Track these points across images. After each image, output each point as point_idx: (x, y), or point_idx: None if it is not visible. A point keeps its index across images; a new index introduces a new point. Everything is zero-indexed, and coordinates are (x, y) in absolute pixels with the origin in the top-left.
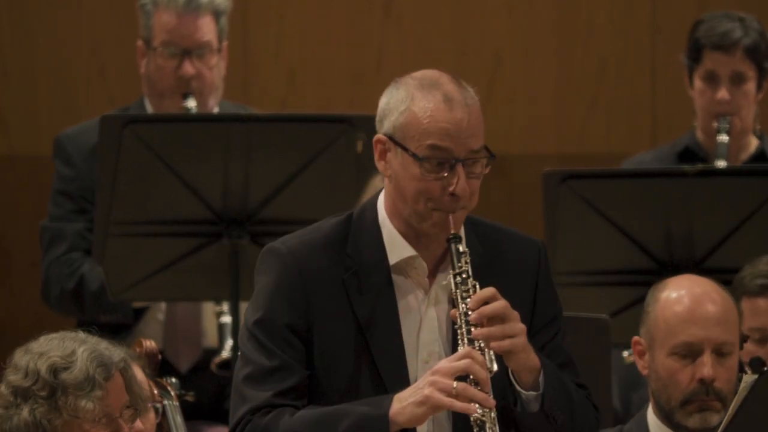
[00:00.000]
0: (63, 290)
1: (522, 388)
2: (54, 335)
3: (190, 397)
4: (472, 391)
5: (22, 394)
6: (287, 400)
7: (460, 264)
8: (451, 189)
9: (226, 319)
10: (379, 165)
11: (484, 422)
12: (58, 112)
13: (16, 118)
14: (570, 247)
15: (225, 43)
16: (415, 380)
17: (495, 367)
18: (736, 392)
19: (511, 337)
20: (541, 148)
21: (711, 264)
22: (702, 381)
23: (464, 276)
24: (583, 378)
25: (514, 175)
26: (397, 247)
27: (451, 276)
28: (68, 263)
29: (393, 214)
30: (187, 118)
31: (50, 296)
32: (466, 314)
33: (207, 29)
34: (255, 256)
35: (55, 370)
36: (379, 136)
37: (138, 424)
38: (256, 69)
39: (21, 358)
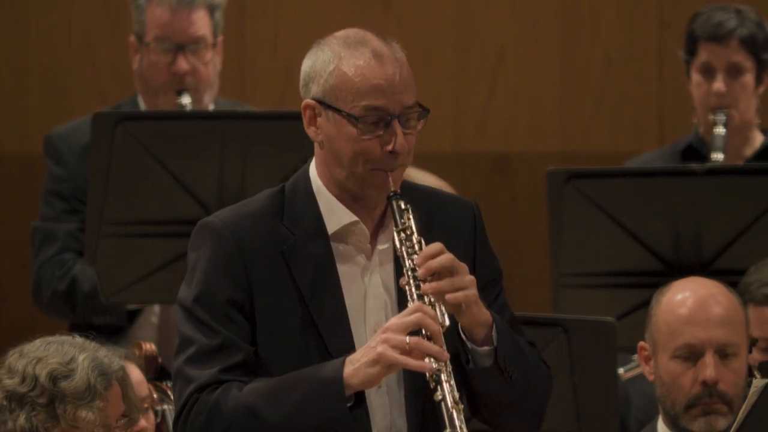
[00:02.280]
0: (54, 292)
1: (474, 344)
2: (51, 339)
3: None
4: (426, 344)
5: (17, 400)
6: (234, 375)
7: (403, 220)
8: (389, 147)
9: None
10: (310, 131)
11: (439, 376)
12: (50, 110)
13: (6, 116)
14: (575, 248)
15: (220, 38)
16: None
17: (447, 321)
18: (745, 397)
19: (462, 289)
20: (544, 146)
21: (720, 265)
22: (705, 383)
23: (408, 232)
24: (587, 383)
25: (516, 175)
26: (336, 214)
27: (395, 233)
28: (60, 264)
29: (328, 181)
30: (181, 115)
31: (42, 298)
32: (413, 270)
33: (201, 24)
34: None
35: (54, 378)
36: (307, 101)
37: (142, 422)
38: (253, 65)
39: (17, 361)
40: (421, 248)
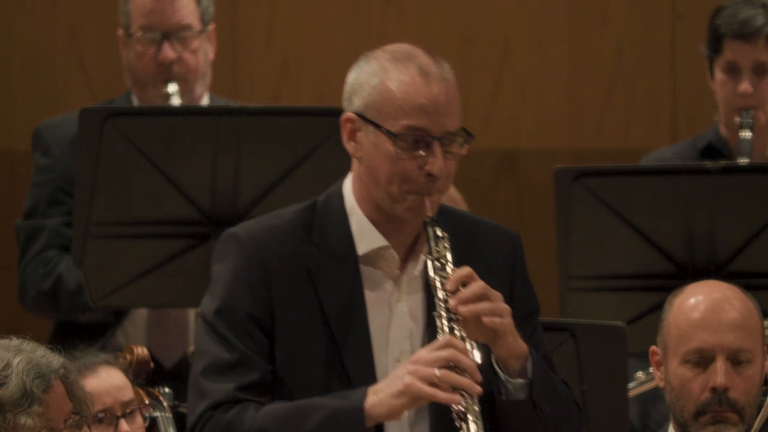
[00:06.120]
0: (39, 291)
1: (508, 375)
2: None
3: (183, 409)
4: (456, 377)
5: None
6: (250, 395)
7: (437, 249)
8: (427, 168)
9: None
10: (348, 146)
11: (466, 414)
12: (35, 105)
13: None
14: (584, 249)
15: (211, 27)
16: (384, 377)
17: (478, 358)
18: (760, 407)
19: (497, 315)
20: (552, 143)
21: (735, 267)
22: (714, 390)
23: (443, 261)
24: (597, 388)
25: (523, 173)
26: (367, 237)
27: (429, 261)
28: (44, 262)
29: (363, 199)
30: (172, 111)
31: (27, 299)
32: (445, 301)
33: (187, 11)
34: None
35: None
36: (347, 114)
37: (123, 425)
38: (246, 58)
39: None
40: None
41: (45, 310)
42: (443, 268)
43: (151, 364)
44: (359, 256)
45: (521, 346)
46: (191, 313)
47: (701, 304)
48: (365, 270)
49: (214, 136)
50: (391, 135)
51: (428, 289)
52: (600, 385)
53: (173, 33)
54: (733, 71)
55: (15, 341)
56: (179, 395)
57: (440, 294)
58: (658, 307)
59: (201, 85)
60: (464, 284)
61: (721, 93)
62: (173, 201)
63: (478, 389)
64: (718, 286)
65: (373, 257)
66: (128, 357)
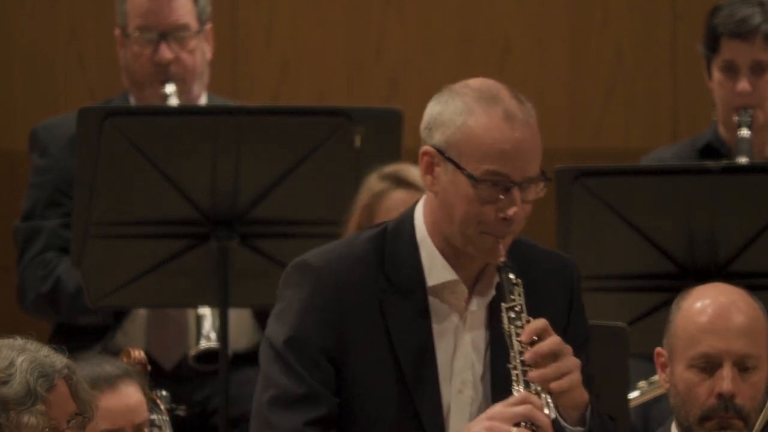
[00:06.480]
0: (38, 294)
1: (568, 423)
2: None
3: (181, 412)
4: None
5: None
6: (318, 430)
7: (513, 297)
8: (505, 214)
9: (204, 310)
10: (425, 179)
11: None
12: (35, 105)
13: None
14: (584, 250)
15: (209, 26)
16: (447, 409)
17: (553, 413)
18: (760, 411)
19: (567, 374)
20: (553, 142)
21: (737, 268)
22: (721, 396)
23: (517, 309)
24: (599, 389)
25: None
26: (437, 269)
27: (504, 309)
28: (43, 264)
29: (434, 231)
30: (172, 110)
31: (26, 301)
32: (521, 353)
33: (183, 11)
34: (244, 258)
35: None
36: (427, 148)
37: None
38: (246, 58)
39: None
40: None
41: (44, 312)
42: (518, 316)
43: (149, 367)
44: (428, 287)
45: (583, 396)
46: (191, 314)
47: (708, 307)
48: (432, 301)
49: (213, 136)
50: (471, 178)
51: (491, 323)
52: (601, 384)
53: (170, 33)
54: (731, 70)
55: (19, 341)
56: (177, 397)
57: (515, 345)
58: (659, 308)
59: (198, 85)
60: (539, 336)
61: (719, 92)
62: (173, 201)
63: None
64: (725, 289)
65: (441, 289)
66: (125, 360)
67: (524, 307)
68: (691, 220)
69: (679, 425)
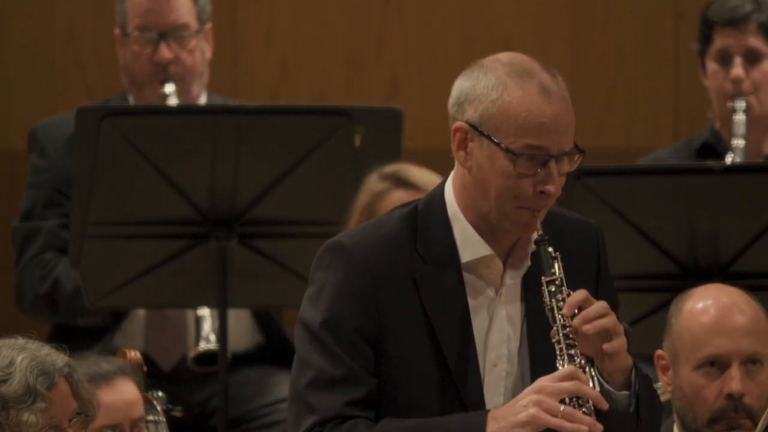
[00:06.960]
0: (36, 294)
1: (613, 387)
2: None
3: (177, 413)
4: (579, 415)
5: None
6: (358, 410)
7: (552, 270)
8: (543, 187)
9: (204, 311)
10: (458, 155)
11: None
12: (33, 105)
13: None
14: None
15: (208, 26)
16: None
17: (597, 386)
18: (763, 409)
19: (617, 336)
20: None
21: (738, 268)
22: (730, 396)
23: (558, 283)
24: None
25: None
26: (471, 245)
27: (544, 283)
28: (41, 265)
29: (467, 207)
30: (171, 110)
31: (24, 302)
32: (564, 327)
33: (183, 10)
34: (244, 258)
35: None
36: (460, 123)
37: None
38: (245, 57)
39: None
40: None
41: (42, 313)
42: (559, 289)
43: (145, 368)
44: (462, 263)
45: (628, 360)
46: (190, 315)
47: (711, 308)
48: (467, 277)
49: (213, 136)
50: (510, 152)
51: (526, 295)
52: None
53: (170, 33)
54: (725, 59)
55: (20, 340)
56: (175, 398)
57: (558, 318)
58: (660, 308)
59: (198, 85)
60: (580, 308)
61: (713, 83)
62: (171, 201)
63: (600, 427)
64: (725, 290)
65: (476, 265)
66: (121, 360)
67: (564, 280)
68: (693, 220)
69: (685, 428)
